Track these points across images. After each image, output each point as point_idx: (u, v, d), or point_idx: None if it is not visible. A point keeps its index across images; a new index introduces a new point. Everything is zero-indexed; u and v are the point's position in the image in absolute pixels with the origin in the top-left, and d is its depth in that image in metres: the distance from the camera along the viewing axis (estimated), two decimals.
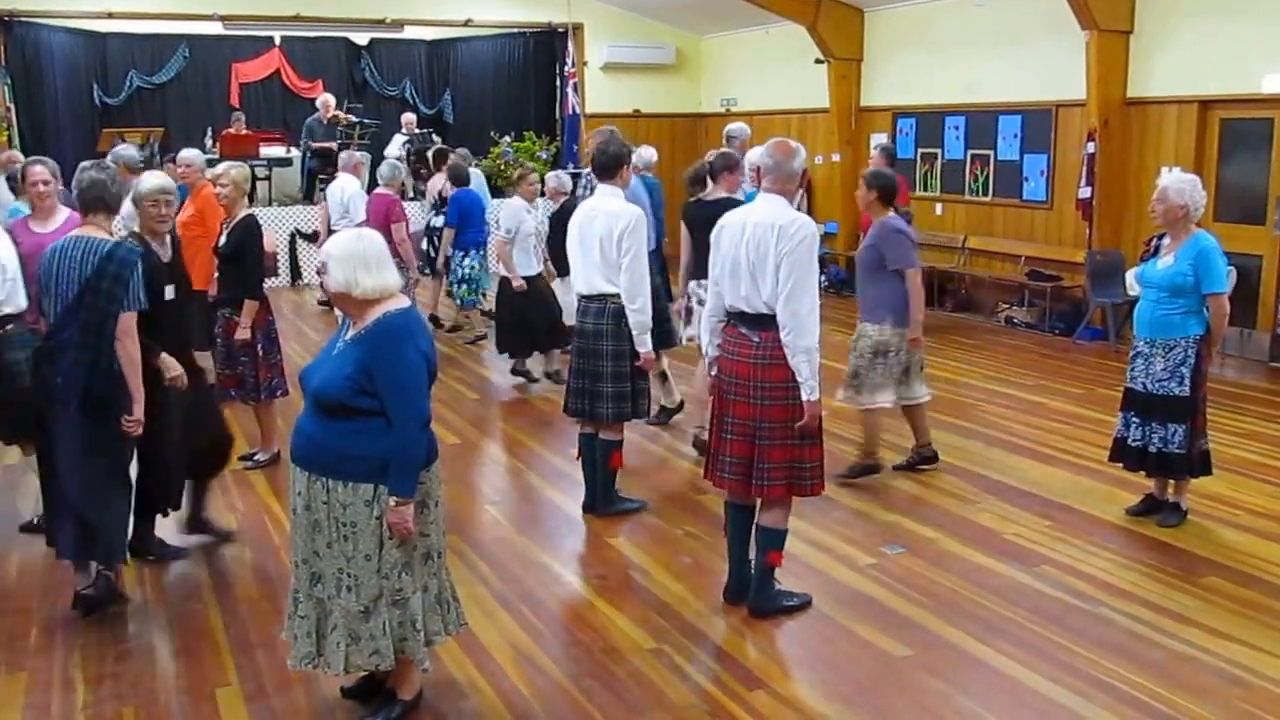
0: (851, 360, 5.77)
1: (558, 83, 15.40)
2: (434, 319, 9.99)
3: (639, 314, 5.02)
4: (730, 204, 5.36)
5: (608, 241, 4.97)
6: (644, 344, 5.09)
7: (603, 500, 5.36)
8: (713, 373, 4.24)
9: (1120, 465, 5.28)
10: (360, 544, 3.25)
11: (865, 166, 11.90)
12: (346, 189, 9.41)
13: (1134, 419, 5.12)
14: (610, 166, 5.15)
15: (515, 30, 15.55)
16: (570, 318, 8.58)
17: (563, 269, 7.89)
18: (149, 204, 4.57)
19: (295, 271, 12.93)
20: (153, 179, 4.70)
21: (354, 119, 13.55)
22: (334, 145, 12.91)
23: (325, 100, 13.62)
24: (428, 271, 10.06)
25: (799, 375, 3.93)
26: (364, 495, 3.23)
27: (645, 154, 10.44)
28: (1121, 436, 5.20)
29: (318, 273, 3.36)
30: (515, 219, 8.02)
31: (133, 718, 3.58)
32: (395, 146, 13.34)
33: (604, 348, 5.10)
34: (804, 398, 3.96)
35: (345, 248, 3.27)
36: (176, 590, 4.56)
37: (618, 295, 5.03)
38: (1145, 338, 5.06)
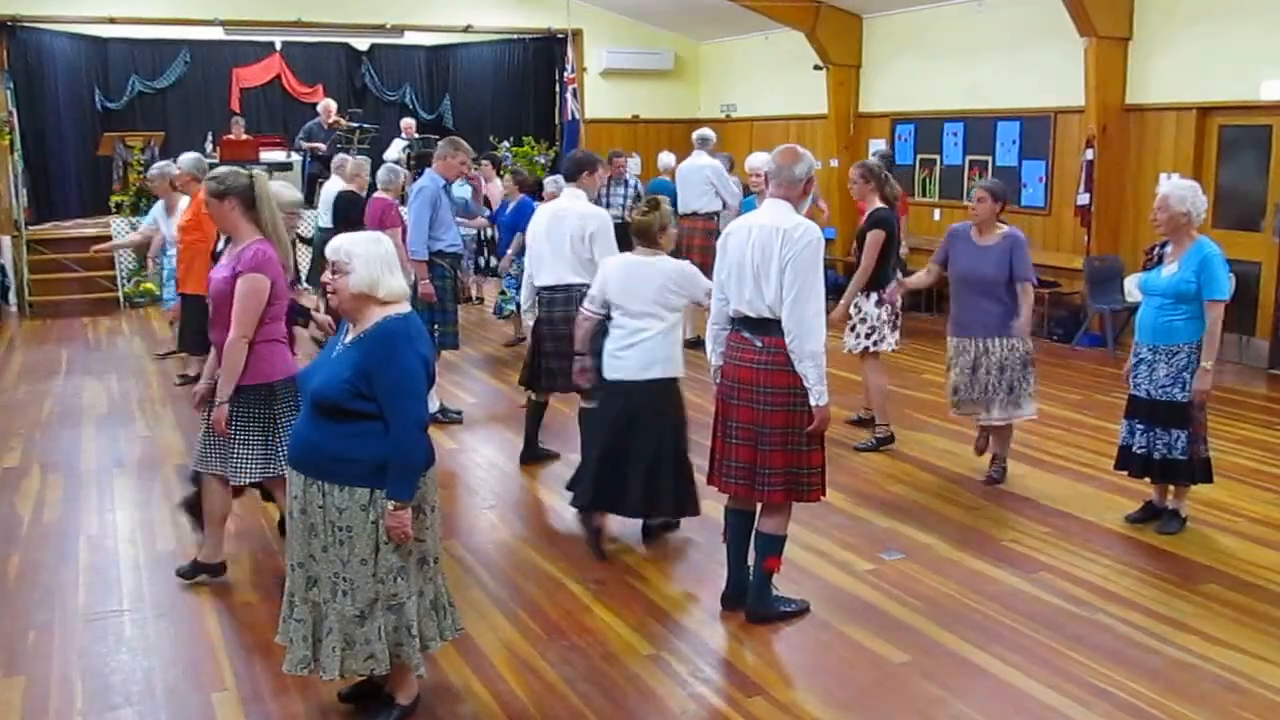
0: (1004, 377, 5.65)
1: (557, 88, 15.40)
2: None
3: None
4: None
5: (578, 240, 5.48)
6: None
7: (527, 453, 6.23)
8: (716, 380, 4.25)
9: (1125, 473, 5.27)
10: (356, 548, 3.24)
11: None
12: (331, 188, 9.59)
13: (1138, 425, 5.12)
14: (573, 172, 5.74)
15: (515, 36, 15.57)
16: None
17: None
18: (287, 214, 5.04)
19: (295, 274, 12.91)
20: (288, 192, 5.31)
21: (354, 124, 13.58)
22: (322, 146, 12.94)
23: (326, 105, 13.64)
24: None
25: (806, 381, 3.94)
26: (360, 499, 3.23)
27: (664, 160, 11.02)
28: (1126, 444, 5.19)
29: (333, 271, 3.26)
30: None
31: None
32: (395, 151, 13.37)
33: (567, 330, 5.42)
34: (813, 403, 3.96)
35: (369, 248, 3.24)
36: (173, 594, 4.55)
37: (584, 285, 5.33)
38: (1148, 344, 5.06)
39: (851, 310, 6.52)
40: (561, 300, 5.57)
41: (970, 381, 5.72)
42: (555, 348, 5.61)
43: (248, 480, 4.37)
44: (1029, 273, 5.62)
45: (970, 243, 5.74)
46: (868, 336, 6.50)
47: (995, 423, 5.78)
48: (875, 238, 6.41)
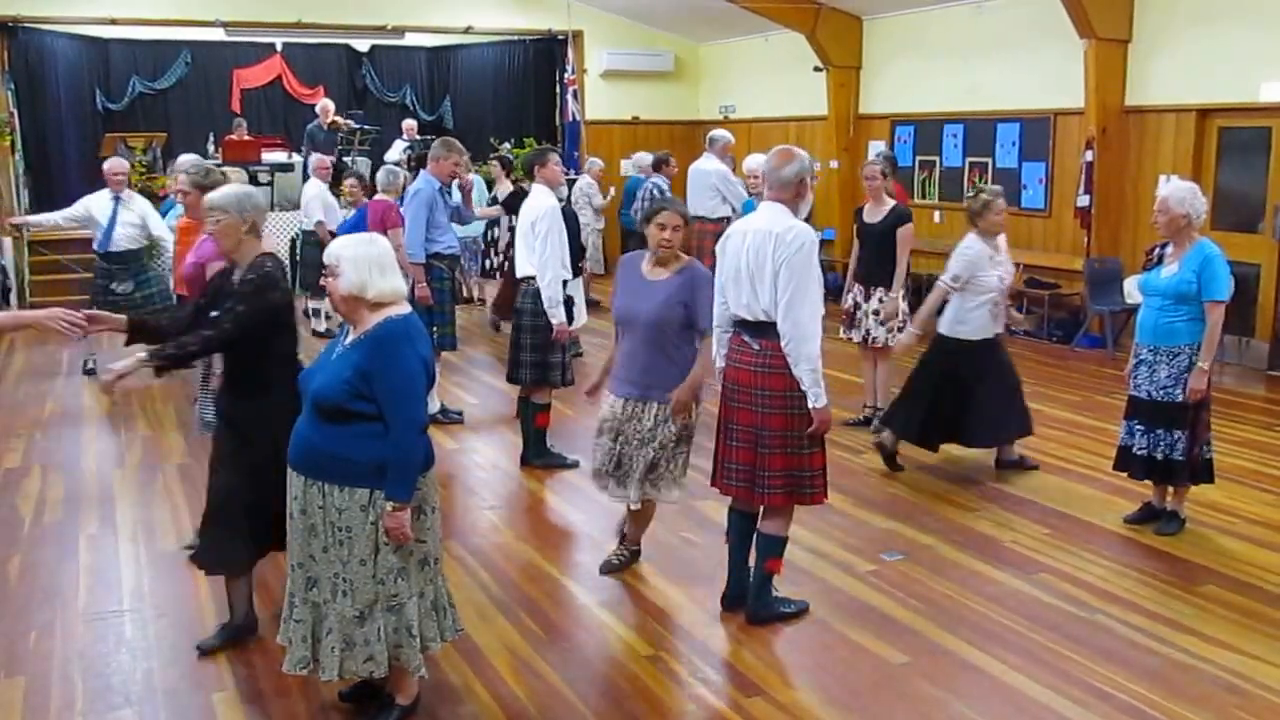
0: (644, 451, 4.44)
1: (557, 89, 15.41)
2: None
3: (545, 289, 5.82)
4: None
5: (528, 232, 5.90)
6: (554, 316, 5.85)
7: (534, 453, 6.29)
8: (720, 383, 4.25)
9: (1126, 474, 5.27)
10: (355, 549, 3.25)
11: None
12: (308, 191, 9.93)
13: (1139, 426, 5.12)
14: (529, 169, 6.30)
15: (515, 37, 15.57)
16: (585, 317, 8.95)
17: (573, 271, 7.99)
18: None
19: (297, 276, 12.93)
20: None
21: (354, 125, 13.57)
22: (327, 159, 12.98)
23: (324, 106, 13.64)
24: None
25: (803, 384, 3.94)
26: (360, 500, 3.23)
27: (638, 158, 11.13)
28: (1126, 445, 5.19)
29: (327, 275, 3.27)
30: (972, 265, 5.76)
31: None
32: (396, 152, 13.38)
33: (527, 322, 5.99)
34: (811, 405, 3.96)
35: (358, 250, 3.25)
36: (174, 594, 4.56)
37: (534, 276, 5.87)
38: (1148, 345, 5.06)
39: (876, 303, 6.80)
40: (521, 292, 6.07)
41: (609, 452, 4.48)
42: (516, 339, 6.10)
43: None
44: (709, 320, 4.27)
45: (639, 276, 4.43)
46: (889, 329, 6.75)
47: (632, 505, 4.59)
48: (907, 232, 6.72)
